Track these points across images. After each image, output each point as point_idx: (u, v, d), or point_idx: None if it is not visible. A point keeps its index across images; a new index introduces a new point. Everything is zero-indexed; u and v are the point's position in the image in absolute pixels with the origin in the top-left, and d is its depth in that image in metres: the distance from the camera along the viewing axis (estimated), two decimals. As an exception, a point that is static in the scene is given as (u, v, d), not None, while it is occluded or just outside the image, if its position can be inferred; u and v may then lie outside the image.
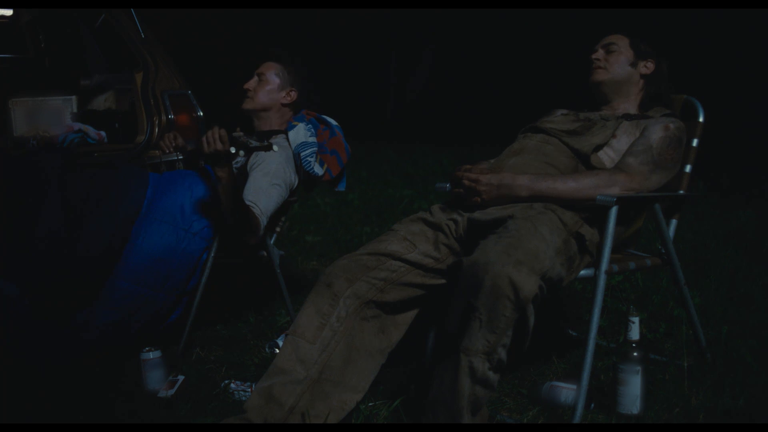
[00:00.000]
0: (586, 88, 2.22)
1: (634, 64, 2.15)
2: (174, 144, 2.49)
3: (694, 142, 2.12)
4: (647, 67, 2.16)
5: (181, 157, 2.47)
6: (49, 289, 2.11)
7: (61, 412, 1.87)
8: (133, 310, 2.18)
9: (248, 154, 2.37)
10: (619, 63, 2.15)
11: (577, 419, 1.74)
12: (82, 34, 3.89)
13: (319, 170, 2.43)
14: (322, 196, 5.20)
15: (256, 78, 2.54)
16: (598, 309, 1.80)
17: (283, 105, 2.54)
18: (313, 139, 2.45)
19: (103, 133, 3.25)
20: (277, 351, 2.13)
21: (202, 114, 3.22)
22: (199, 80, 3.96)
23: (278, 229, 2.60)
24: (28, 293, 2.07)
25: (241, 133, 2.38)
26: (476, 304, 1.55)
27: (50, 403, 1.91)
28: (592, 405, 1.85)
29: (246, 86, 2.53)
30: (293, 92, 2.54)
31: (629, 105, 2.17)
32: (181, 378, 2.06)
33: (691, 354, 2.14)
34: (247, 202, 2.22)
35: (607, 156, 2.02)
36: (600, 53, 2.17)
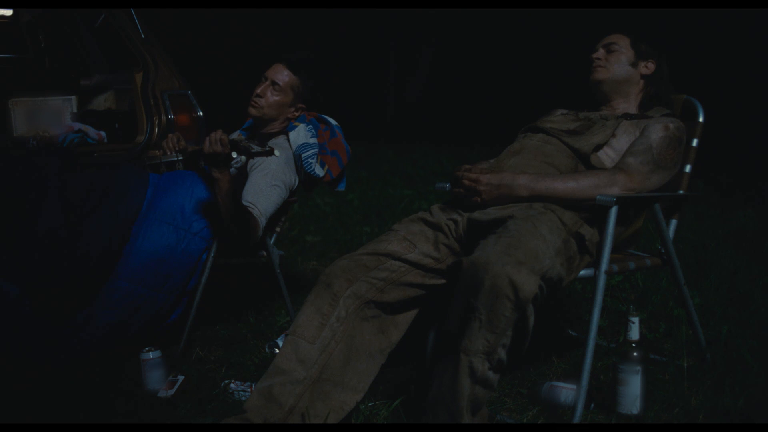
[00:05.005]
0: (586, 88, 2.22)
1: (634, 64, 2.15)
2: (177, 147, 2.48)
3: (694, 142, 2.12)
4: (648, 67, 2.16)
5: (181, 158, 2.47)
6: (49, 289, 2.11)
7: (61, 412, 1.87)
8: (133, 310, 2.18)
9: (249, 159, 2.36)
10: (619, 62, 2.15)
11: (577, 419, 1.74)
12: (82, 34, 3.89)
13: (319, 171, 2.43)
14: (322, 196, 5.20)
15: (268, 84, 2.44)
16: (598, 309, 1.80)
17: (288, 118, 2.52)
18: (314, 141, 2.45)
19: (103, 133, 3.25)
20: (277, 351, 2.13)
21: (202, 114, 3.22)
22: (199, 80, 3.96)
23: (278, 230, 2.60)
24: (28, 293, 2.07)
25: (243, 137, 2.38)
26: (476, 304, 1.55)
27: (50, 403, 1.91)
28: (592, 405, 1.85)
29: (258, 91, 2.42)
30: (301, 108, 2.50)
31: (629, 105, 2.17)
32: (181, 378, 2.06)
33: (691, 354, 2.15)
34: (246, 203, 2.22)
35: (607, 156, 2.02)
36: (600, 52, 2.17)
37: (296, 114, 2.50)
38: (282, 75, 2.44)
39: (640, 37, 2.19)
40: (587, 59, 2.20)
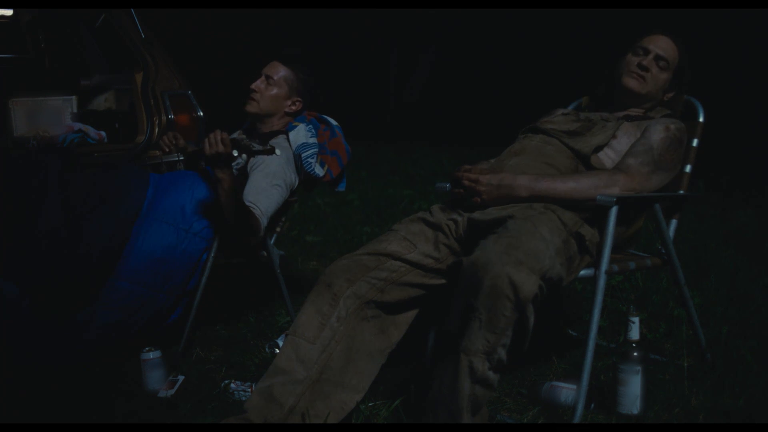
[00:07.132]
0: (600, 83, 2.18)
1: (665, 90, 2.13)
2: (174, 144, 2.48)
3: (694, 142, 2.12)
4: (668, 96, 2.15)
5: (182, 158, 2.47)
6: (49, 289, 2.11)
7: (62, 412, 1.87)
8: (134, 310, 2.18)
9: (250, 157, 2.37)
10: (657, 83, 2.10)
11: (577, 419, 1.74)
12: (82, 34, 3.89)
13: (319, 171, 2.43)
14: (322, 196, 5.20)
15: (263, 78, 2.48)
16: (598, 309, 1.81)
17: (286, 113, 2.53)
18: (313, 140, 2.45)
19: (103, 133, 3.25)
20: (277, 351, 2.13)
21: (202, 114, 3.22)
22: (199, 80, 3.96)
23: (278, 230, 2.60)
24: (28, 293, 2.07)
25: (244, 136, 2.38)
26: (476, 304, 1.55)
27: (51, 403, 1.91)
28: (592, 405, 1.86)
29: (253, 86, 2.46)
30: (298, 102, 2.51)
31: (633, 109, 2.16)
32: (181, 378, 2.07)
33: (691, 354, 2.15)
34: (248, 203, 2.22)
35: (608, 156, 2.01)
36: (650, 61, 2.09)
37: (293, 108, 2.50)
38: (276, 69, 2.49)
39: (688, 64, 2.13)
40: (628, 60, 2.09)
